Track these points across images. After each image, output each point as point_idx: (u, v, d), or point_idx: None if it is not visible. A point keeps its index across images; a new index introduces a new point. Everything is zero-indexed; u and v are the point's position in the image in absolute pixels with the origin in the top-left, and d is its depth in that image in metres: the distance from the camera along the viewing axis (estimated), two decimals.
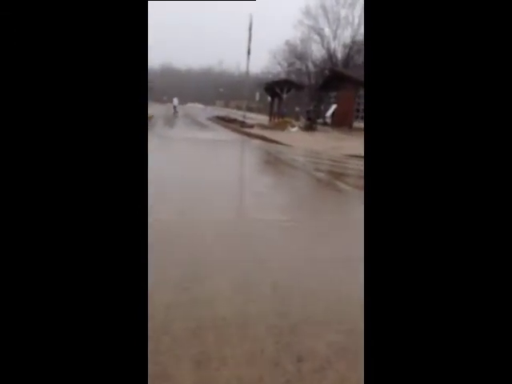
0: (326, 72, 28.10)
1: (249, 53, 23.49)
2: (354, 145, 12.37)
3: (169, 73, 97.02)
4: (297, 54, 39.18)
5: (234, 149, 11.36)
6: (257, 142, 12.79)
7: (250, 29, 23.13)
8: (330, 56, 37.99)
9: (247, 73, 24.80)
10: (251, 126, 16.38)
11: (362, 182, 5.64)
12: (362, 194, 4.89)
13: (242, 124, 17.40)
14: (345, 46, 38.07)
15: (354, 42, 37.37)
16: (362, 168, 7.84)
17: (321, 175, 6.96)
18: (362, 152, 11.26)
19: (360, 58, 36.48)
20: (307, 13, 37.38)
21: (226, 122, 19.89)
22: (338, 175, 7.22)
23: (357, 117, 21.34)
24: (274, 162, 8.77)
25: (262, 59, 43.56)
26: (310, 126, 17.40)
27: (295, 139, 13.29)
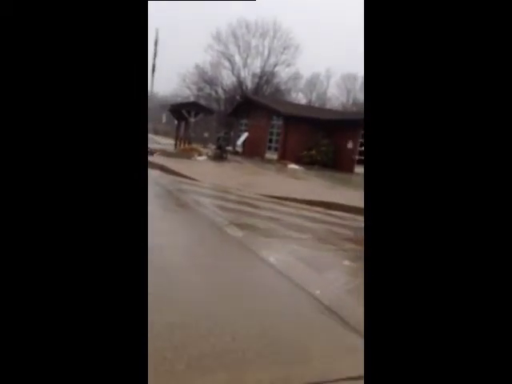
0: (238, 98, 26.94)
1: (154, 70, 21.24)
2: (268, 181, 10.76)
3: None
4: (206, 79, 38.03)
5: None
6: (156, 173, 10.46)
7: (156, 44, 21.00)
8: (240, 83, 37.60)
9: (151, 91, 22.40)
10: (151, 153, 13.94)
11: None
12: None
13: None
14: (254, 75, 38.10)
15: (263, 72, 37.67)
16: (287, 219, 6.27)
17: (229, 228, 5.01)
18: (278, 192, 10.00)
19: (268, 89, 36.73)
20: (218, 38, 36.65)
21: None
22: (252, 228, 5.32)
23: (269, 148, 20.18)
24: (172, 207, 6.61)
25: (171, 82, 41.48)
26: (219, 155, 15.54)
27: (203, 171, 11.25)
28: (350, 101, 43.05)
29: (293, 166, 15.96)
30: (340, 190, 10.80)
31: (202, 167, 12.84)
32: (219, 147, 15.83)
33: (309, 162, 17.36)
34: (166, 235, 4.61)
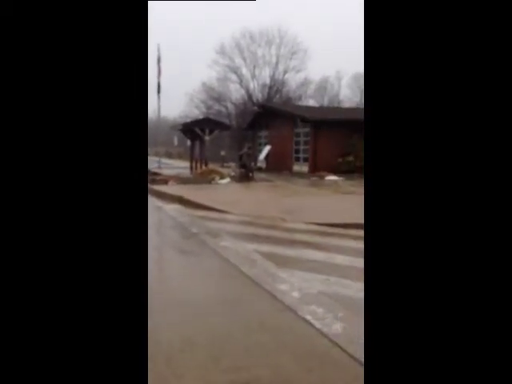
0: (254, 109, 24.91)
1: (159, 90, 19.41)
2: (314, 202, 8.48)
3: None
4: (215, 96, 36.42)
5: None
6: (174, 208, 8.33)
7: (159, 61, 19.20)
8: (250, 96, 35.86)
9: (159, 113, 20.57)
10: (165, 181, 11.86)
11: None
12: None
13: (154, 178, 12.82)
14: (264, 85, 36.34)
15: (273, 81, 35.93)
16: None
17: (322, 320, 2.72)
18: (334, 217, 6.99)
19: (281, 98, 34.87)
20: (222, 52, 35.05)
21: None
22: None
23: (297, 159, 17.91)
24: (204, 268, 4.36)
25: (179, 102, 40.17)
26: (245, 175, 13.35)
27: (230, 198, 9.06)
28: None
29: (331, 177, 13.67)
30: None
31: (227, 192, 10.67)
32: (243, 165, 13.64)
33: (347, 170, 15.02)
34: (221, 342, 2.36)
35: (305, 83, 37.94)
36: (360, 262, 4.13)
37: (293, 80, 37.01)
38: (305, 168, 16.95)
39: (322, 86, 41.89)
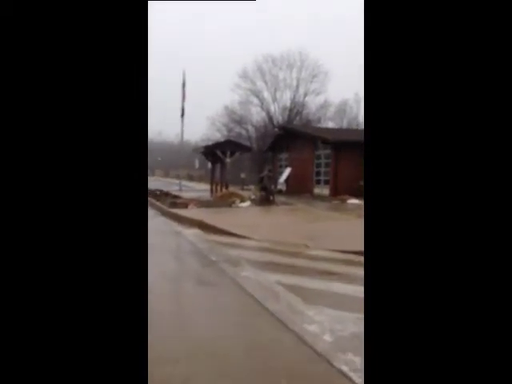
0: (275, 131, 24.87)
1: (182, 113, 19.62)
2: (338, 228, 8.12)
3: None
4: (236, 119, 36.73)
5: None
6: (194, 232, 8.11)
7: (184, 86, 19.46)
8: (271, 118, 36.03)
9: (182, 135, 20.76)
10: (185, 205, 11.71)
11: None
12: None
13: (174, 201, 12.68)
14: (285, 108, 36.48)
15: (293, 103, 36.04)
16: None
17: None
18: (361, 244, 7.09)
19: (301, 120, 34.89)
20: (244, 76, 35.50)
21: (155, 196, 15.07)
22: None
23: (318, 182, 17.59)
24: (225, 303, 4.05)
25: (201, 127, 40.67)
26: (266, 198, 13.09)
27: (251, 222, 8.79)
28: None
29: (353, 201, 13.27)
30: None
31: (248, 217, 10.42)
32: (264, 188, 13.40)
33: None
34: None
35: (324, 105, 37.95)
36: None
37: (313, 102, 37.16)
38: (326, 191, 16.59)
39: (342, 109, 41.77)
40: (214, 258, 5.72)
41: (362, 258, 5.96)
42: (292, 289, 4.25)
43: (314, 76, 35.91)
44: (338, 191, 15.43)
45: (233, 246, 6.57)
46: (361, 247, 5.25)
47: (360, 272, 5.15)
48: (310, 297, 4.03)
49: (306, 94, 36.46)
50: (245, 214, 10.90)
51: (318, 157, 17.52)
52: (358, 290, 4.25)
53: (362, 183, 15.20)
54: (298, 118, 36.03)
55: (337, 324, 3.24)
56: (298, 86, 36.14)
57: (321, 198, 15.72)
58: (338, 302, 3.89)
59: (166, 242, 7.35)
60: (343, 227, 8.51)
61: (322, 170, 17.26)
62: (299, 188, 17.58)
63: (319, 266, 5.34)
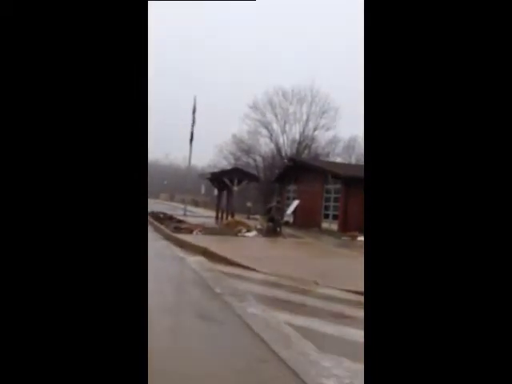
0: (286, 162, 24.79)
1: (191, 139, 19.61)
2: (349, 266, 7.73)
3: None
4: (244, 148, 36.87)
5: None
6: (198, 260, 7.73)
7: (194, 112, 19.57)
8: (279, 150, 36.13)
9: (189, 161, 20.67)
10: (190, 230, 11.36)
11: None
12: None
13: (178, 226, 12.35)
14: (293, 141, 36.63)
15: (302, 137, 36.24)
16: None
17: None
18: None
19: (310, 154, 34.94)
20: (255, 107, 35.88)
21: (159, 220, 14.74)
22: None
23: (327, 216, 17.21)
24: (225, 341, 3.63)
25: (208, 153, 40.87)
26: (273, 230, 12.71)
27: (258, 254, 8.41)
28: None
29: (363, 237, 12.84)
30: None
31: (254, 247, 10.03)
32: (271, 219, 13.05)
33: None
34: None
35: (333, 141, 38.10)
36: None
37: (322, 137, 37.30)
38: (334, 226, 16.20)
39: (351, 145, 41.91)
40: (218, 290, 5.34)
41: None
42: (303, 331, 3.86)
43: (324, 112, 36.21)
44: (347, 227, 15.03)
45: (239, 277, 6.19)
46: None
47: None
48: (324, 343, 3.63)
49: (315, 129, 36.67)
50: (251, 245, 10.51)
51: (328, 191, 17.24)
52: None
53: None
54: (306, 151, 36.10)
55: (357, 380, 2.84)
56: (307, 121, 36.37)
57: (329, 232, 15.29)
58: (356, 352, 3.49)
59: (168, 269, 6.98)
60: (354, 265, 8.09)
61: (331, 204, 16.93)
62: (306, 221, 17.20)
63: (331, 307, 4.93)
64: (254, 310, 4.55)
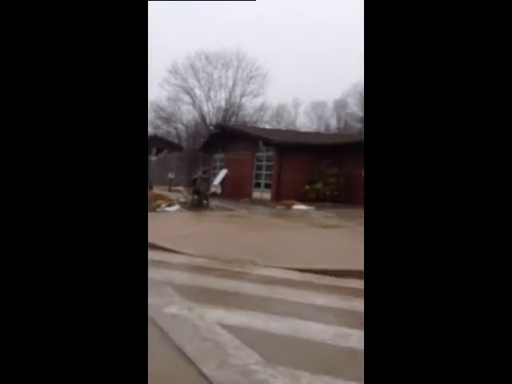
0: (212, 128, 23.27)
1: None
2: (288, 238, 6.81)
3: None
4: (164, 116, 34.46)
5: None
6: None
7: None
8: (203, 118, 34.41)
9: None
10: None
11: None
12: None
13: None
14: (219, 108, 35.09)
15: (228, 104, 34.86)
16: None
17: None
18: (322, 260, 4.67)
19: (237, 122, 33.78)
20: (175, 72, 33.33)
21: None
22: None
23: (258, 185, 16.25)
24: None
25: None
26: (199, 203, 11.35)
27: (181, 232, 7.12)
28: (322, 128, 40.54)
29: (299, 206, 12.06)
30: None
31: (177, 224, 8.67)
32: (197, 191, 11.64)
33: (314, 199, 13.56)
34: None
35: (262, 108, 37.25)
36: None
37: (250, 104, 36.19)
38: (266, 195, 15.33)
39: (280, 113, 41.48)
40: None
41: (324, 280, 4.63)
42: (243, 335, 2.76)
43: (252, 77, 34.97)
44: (281, 195, 14.24)
45: (157, 264, 4.81)
46: (320, 264, 4.08)
47: (331, 302, 3.79)
48: (273, 349, 2.56)
49: (242, 95, 35.42)
50: (174, 221, 9.11)
51: (259, 159, 16.22)
52: (341, 334, 2.85)
53: (308, 188, 14.20)
54: (233, 119, 34.75)
55: None
56: (234, 86, 34.84)
57: (262, 202, 14.35)
58: (318, 359, 2.45)
59: None
60: (294, 237, 7.18)
61: (263, 172, 15.95)
62: (236, 191, 16.08)
63: (275, 294, 3.89)
64: (174, 308, 3.33)
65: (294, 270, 4.87)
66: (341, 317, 3.31)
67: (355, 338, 2.73)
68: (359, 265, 4.97)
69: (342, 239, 7.11)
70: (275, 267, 4.94)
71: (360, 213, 10.89)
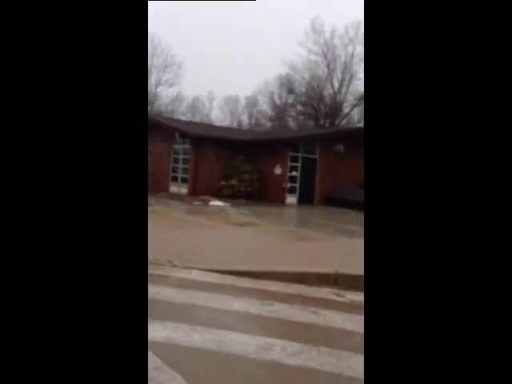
0: None
1: None
2: (206, 237, 6.74)
3: None
4: None
5: None
6: None
7: None
8: None
9: None
10: None
11: None
12: None
13: None
14: None
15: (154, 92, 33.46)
16: None
17: None
18: (240, 260, 4.81)
19: (152, 111, 32.48)
20: None
21: None
22: None
23: (175, 179, 15.78)
24: None
25: None
26: None
27: None
28: (235, 123, 40.85)
29: (216, 202, 11.95)
30: (312, 242, 7.28)
31: None
32: None
33: (230, 195, 13.57)
34: None
35: (177, 99, 36.29)
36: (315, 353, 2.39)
37: (165, 94, 35.07)
38: (183, 190, 14.97)
39: (195, 105, 40.79)
40: None
41: (244, 282, 4.62)
42: (163, 352, 2.59)
43: (167, 66, 33.92)
44: (197, 191, 14.01)
45: None
46: (240, 265, 4.07)
47: (253, 307, 3.78)
48: (197, 369, 2.45)
49: (157, 84, 34.17)
50: None
51: (176, 151, 15.74)
52: (264, 345, 2.83)
53: (223, 183, 14.15)
54: (149, 108, 33.43)
55: None
56: (149, 74, 33.52)
57: (179, 197, 13.95)
58: (244, 376, 2.41)
59: None
60: (213, 236, 7.09)
61: (180, 166, 15.52)
62: (152, 186, 15.29)
63: (196, 300, 3.77)
64: None
65: (215, 271, 4.79)
66: (263, 325, 3.32)
67: (278, 349, 2.74)
68: (275, 265, 5.11)
69: (257, 239, 7.21)
70: (195, 269, 4.81)
71: (271, 210, 11.12)
